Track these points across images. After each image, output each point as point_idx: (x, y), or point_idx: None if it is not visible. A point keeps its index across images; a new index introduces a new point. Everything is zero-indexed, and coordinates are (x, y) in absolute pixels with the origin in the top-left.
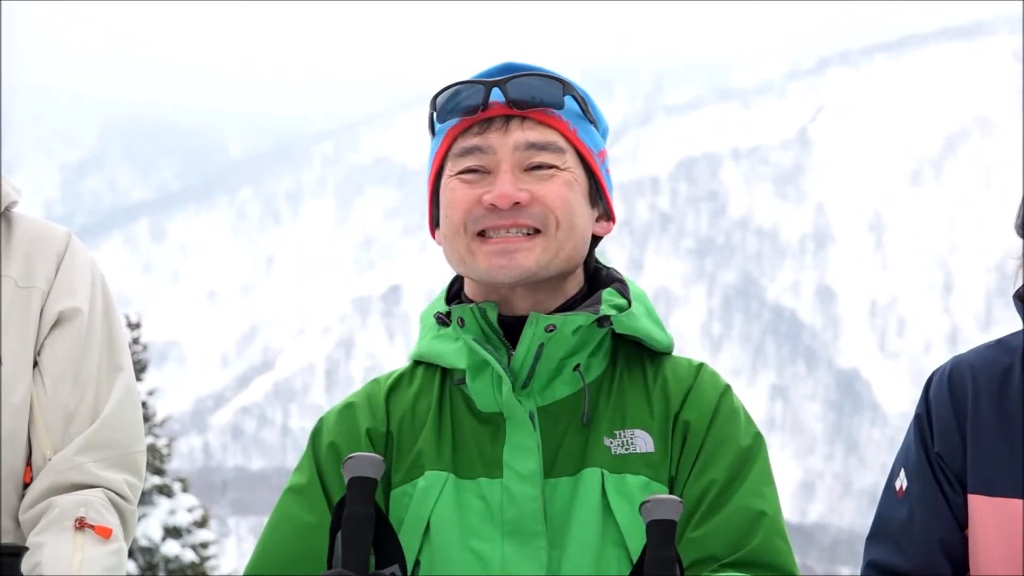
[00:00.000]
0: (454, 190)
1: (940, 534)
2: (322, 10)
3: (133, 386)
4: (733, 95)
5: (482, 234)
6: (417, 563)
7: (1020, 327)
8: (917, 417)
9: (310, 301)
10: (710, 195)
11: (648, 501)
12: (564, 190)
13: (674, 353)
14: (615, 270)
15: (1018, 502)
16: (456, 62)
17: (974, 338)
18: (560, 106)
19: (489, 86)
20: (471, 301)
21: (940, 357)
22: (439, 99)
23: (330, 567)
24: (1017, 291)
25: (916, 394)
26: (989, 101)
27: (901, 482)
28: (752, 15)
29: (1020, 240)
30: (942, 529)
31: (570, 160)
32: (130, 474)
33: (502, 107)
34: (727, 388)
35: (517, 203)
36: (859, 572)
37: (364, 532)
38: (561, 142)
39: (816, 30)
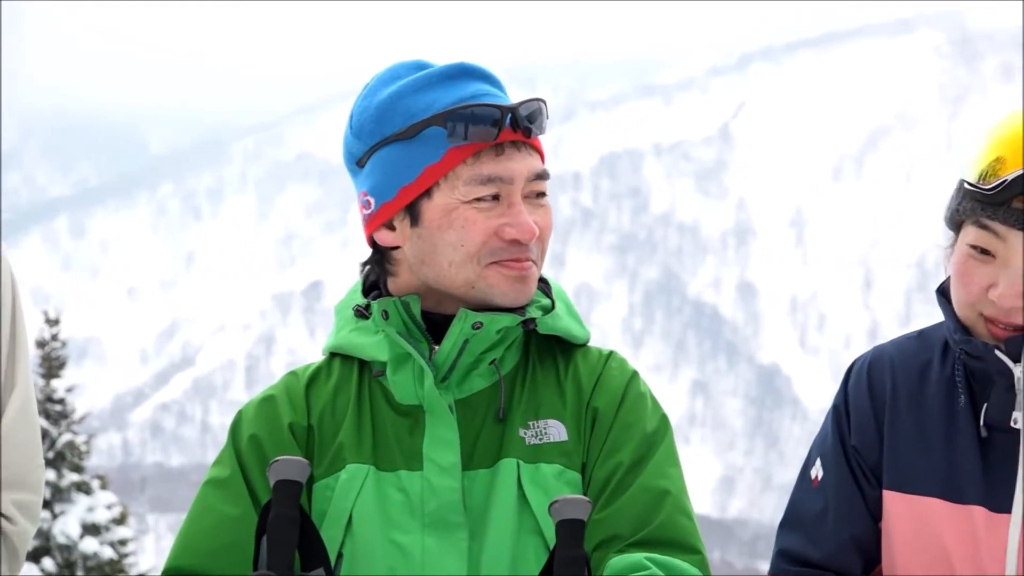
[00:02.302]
0: (471, 219)
1: (853, 527)
2: (244, 6)
3: (29, 402)
4: (656, 91)
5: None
6: (340, 556)
7: (941, 320)
8: (835, 408)
9: (230, 297)
10: (632, 191)
11: (557, 501)
12: (551, 220)
13: (589, 344)
14: None
15: (933, 500)
16: (380, 59)
17: (894, 334)
18: (545, 130)
19: (505, 112)
20: (391, 295)
21: (860, 352)
22: (451, 114)
23: (256, 570)
24: (940, 285)
25: (834, 390)
26: (910, 98)
27: (816, 471)
28: (675, 12)
29: (945, 233)
30: (855, 522)
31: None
32: (24, 492)
33: (509, 132)
34: (634, 374)
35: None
36: (771, 558)
37: (289, 535)
38: (545, 168)
39: (739, 27)
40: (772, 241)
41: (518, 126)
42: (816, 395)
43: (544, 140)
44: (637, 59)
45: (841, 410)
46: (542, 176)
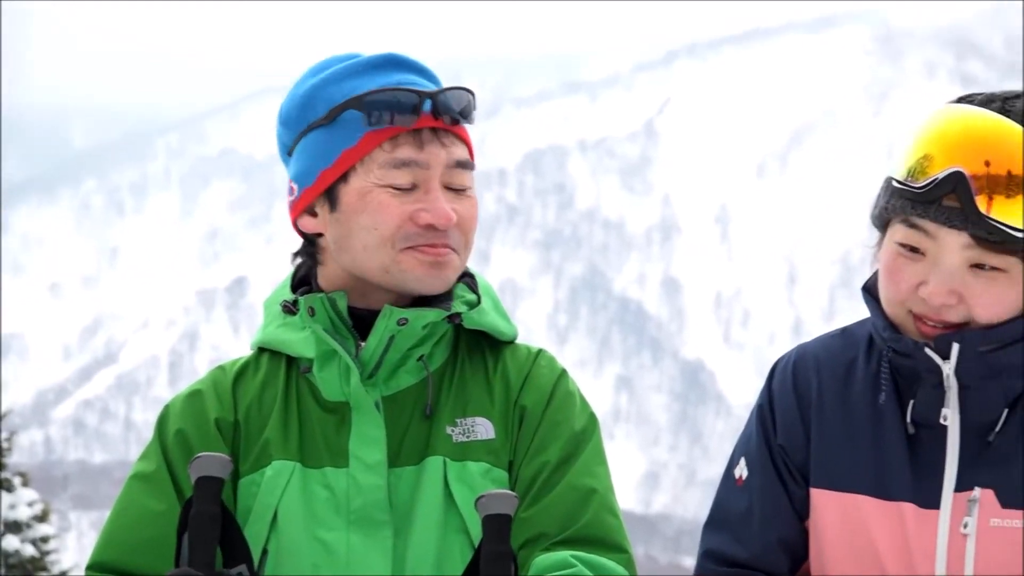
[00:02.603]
0: (385, 203)
1: (779, 527)
2: (167, 3)
3: None
4: (581, 88)
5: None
6: (265, 552)
7: (865, 317)
8: (759, 407)
9: (154, 294)
10: (557, 187)
11: (483, 496)
12: (475, 213)
13: (517, 342)
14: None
15: (862, 497)
16: (303, 54)
17: (818, 329)
18: (471, 121)
19: (423, 97)
20: (321, 290)
21: (784, 348)
22: (368, 98)
23: (177, 566)
24: (865, 283)
25: (760, 385)
26: (834, 95)
27: (741, 471)
28: (600, 9)
29: (872, 232)
30: (781, 522)
31: (473, 175)
32: None
33: (430, 119)
34: (563, 372)
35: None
36: (696, 558)
37: (210, 532)
38: (470, 159)
39: (664, 23)
40: (697, 237)
41: (439, 113)
42: (740, 391)
43: (470, 135)
44: (562, 56)
45: (766, 409)
46: (464, 165)
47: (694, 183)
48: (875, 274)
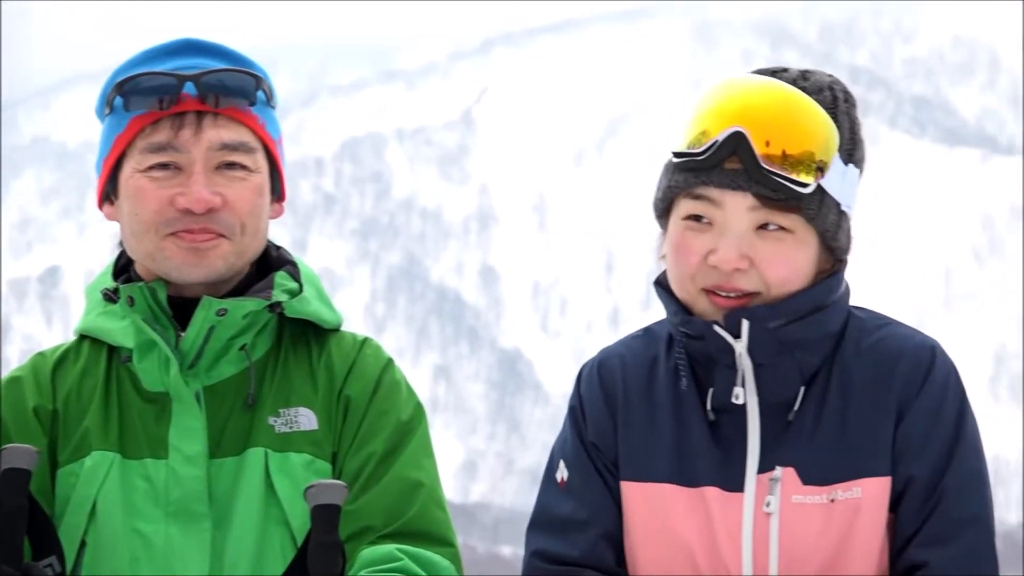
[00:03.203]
0: (142, 188)
1: (604, 522)
2: None
3: None
4: (398, 76)
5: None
6: (83, 544)
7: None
8: (571, 409)
9: None
10: (374, 176)
11: (313, 486)
12: (255, 196)
13: (343, 330)
14: (286, 251)
15: (664, 486)
16: (118, 40)
17: (635, 318)
18: (253, 102)
19: (182, 80)
20: (140, 279)
21: (602, 337)
22: (127, 84)
23: None
24: (656, 277)
25: (576, 376)
26: (652, 84)
27: (562, 473)
28: None
29: (658, 227)
30: (605, 517)
31: (259, 158)
32: None
33: (195, 102)
34: (389, 361)
35: (211, 208)
36: (523, 561)
37: (17, 525)
38: (252, 141)
39: (481, 11)
40: (514, 226)
41: (205, 96)
42: (558, 379)
43: (285, 125)
44: (379, 44)
45: (577, 411)
46: (234, 147)
47: (512, 172)
48: (665, 270)
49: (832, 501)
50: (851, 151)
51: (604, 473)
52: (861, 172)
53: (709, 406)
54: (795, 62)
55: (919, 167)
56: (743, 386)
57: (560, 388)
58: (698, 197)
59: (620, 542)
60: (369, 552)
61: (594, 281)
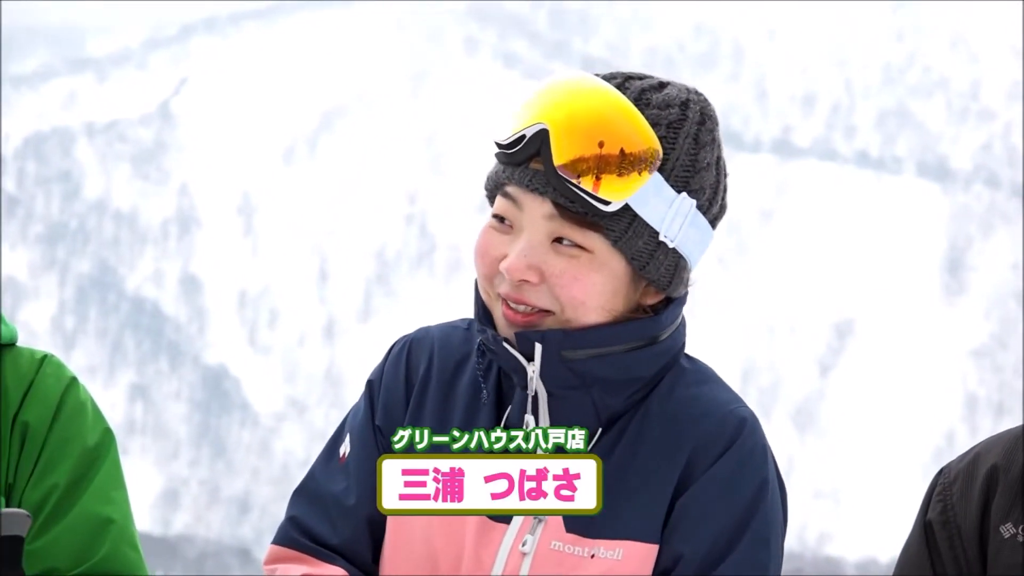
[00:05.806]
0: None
1: (372, 512)
2: None
3: None
4: (87, 65)
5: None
6: None
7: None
8: (369, 382)
9: None
10: (62, 175)
11: None
12: None
13: (19, 344)
14: None
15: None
16: None
17: (352, 330)
18: None
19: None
20: None
21: (316, 351)
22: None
23: None
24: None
25: (288, 391)
26: (369, 73)
27: (345, 448)
28: None
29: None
30: (375, 507)
31: None
32: None
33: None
34: (73, 380)
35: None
36: (280, 524)
37: None
38: None
39: None
40: (218, 230)
41: None
42: (267, 398)
43: None
44: (66, 29)
45: (375, 386)
46: None
47: (215, 171)
48: None
49: (592, 557)
50: (687, 179)
51: None
52: (713, 208)
53: (503, 424)
54: (525, 51)
55: None
56: (535, 413)
57: (270, 407)
58: (505, 194)
59: (382, 532)
60: None
61: (306, 290)
